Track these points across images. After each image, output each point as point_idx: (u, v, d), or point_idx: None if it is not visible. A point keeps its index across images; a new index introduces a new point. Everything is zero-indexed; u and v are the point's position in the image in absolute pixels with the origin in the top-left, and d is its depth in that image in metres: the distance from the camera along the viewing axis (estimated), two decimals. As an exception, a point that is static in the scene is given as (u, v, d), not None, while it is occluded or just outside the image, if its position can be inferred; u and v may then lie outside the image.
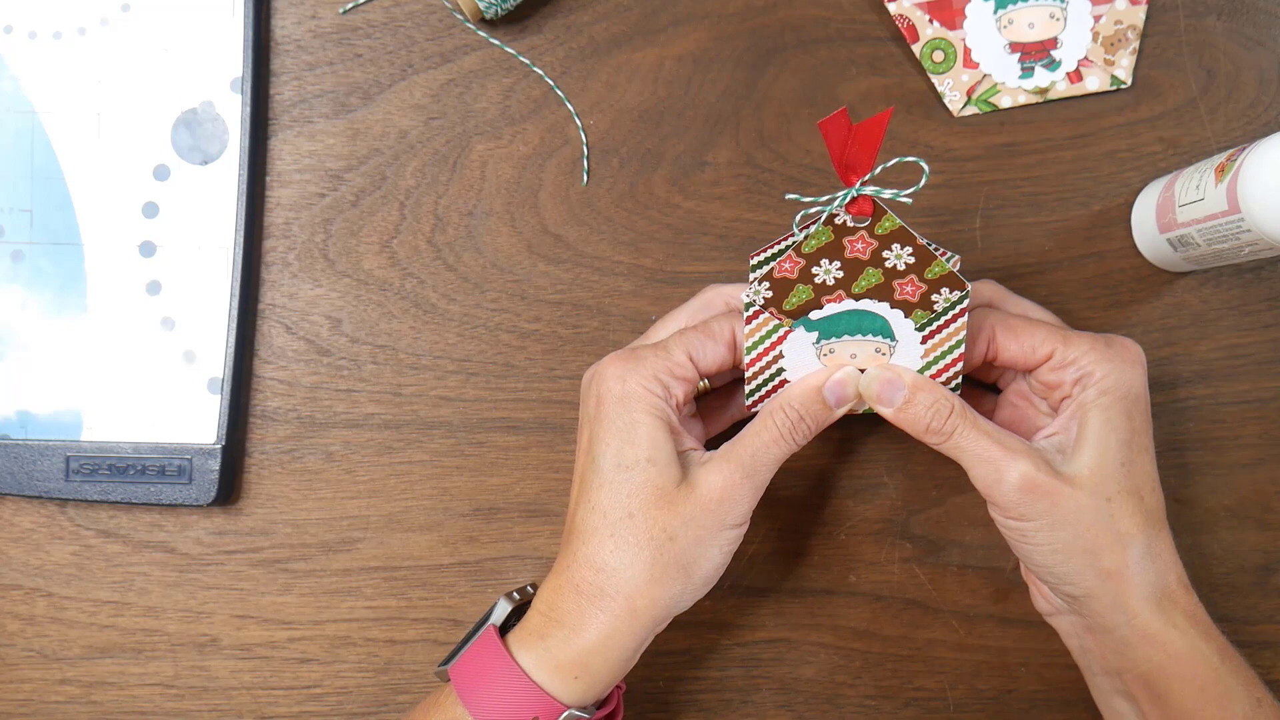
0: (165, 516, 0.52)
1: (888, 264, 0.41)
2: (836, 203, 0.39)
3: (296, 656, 0.52)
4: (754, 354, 0.43)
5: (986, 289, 0.46)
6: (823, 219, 0.40)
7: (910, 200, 0.39)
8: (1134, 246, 0.53)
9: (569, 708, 0.41)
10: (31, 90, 0.51)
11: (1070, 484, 0.41)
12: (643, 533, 0.41)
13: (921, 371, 0.43)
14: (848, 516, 0.53)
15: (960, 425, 0.42)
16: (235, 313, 0.51)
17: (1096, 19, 0.52)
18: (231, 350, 0.51)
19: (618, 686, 0.45)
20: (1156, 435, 0.44)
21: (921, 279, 0.41)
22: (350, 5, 0.53)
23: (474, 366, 0.52)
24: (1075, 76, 0.52)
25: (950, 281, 0.41)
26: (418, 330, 0.52)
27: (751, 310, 0.42)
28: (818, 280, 0.41)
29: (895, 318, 0.42)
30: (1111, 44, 0.52)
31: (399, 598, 0.52)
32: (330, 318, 0.52)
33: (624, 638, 0.41)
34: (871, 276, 0.41)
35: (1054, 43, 0.52)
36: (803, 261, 0.41)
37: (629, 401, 0.42)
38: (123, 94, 0.51)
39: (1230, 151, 0.45)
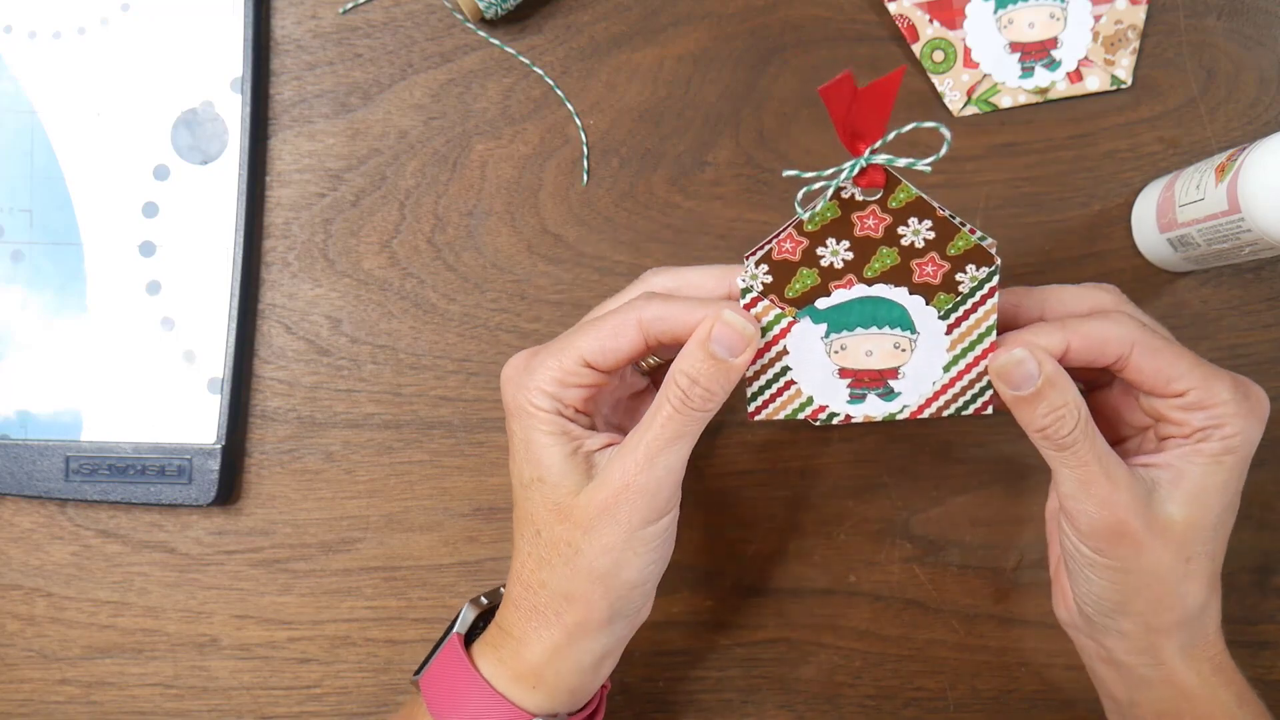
0: (165, 516, 0.52)
1: (904, 241, 0.36)
2: (844, 174, 0.34)
3: (296, 656, 0.52)
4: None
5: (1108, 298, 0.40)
6: (829, 194, 0.35)
7: (929, 169, 0.34)
8: (1134, 246, 0.52)
9: (535, 716, 0.40)
10: (31, 90, 0.51)
11: (1160, 535, 0.38)
12: (550, 549, 0.40)
13: (948, 369, 0.39)
14: (848, 516, 0.53)
15: (1079, 443, 0.38)
16: (235, 313, 0.51)
17: (1096, 19, 0.52)
18: (231, 350, 0.51)
19: (602, 685, 0.44)
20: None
21: (944, 256, 0.36)
22: (350, 5, 0.53)
23: (474, 366, 0.52)
24: (1075, 76, 0.52)
25: (976, 256, 0.36)
26: (418, 330, 0.52)
27: (749, 297, 0.38)
28: (824, 263, 0.37)
29: (915, 305, 0.37)
30: (1111, 44, 0.52)
31: (399, 598, 0.52)
32: (330, 318, 0.52)
33: (570, 650, 0.40)
34: (886, 257, 0.36)
35: (1054, 42, 0.52)
36: (805, 241, 0.36)
37: (520, 415, 0.40)
38: (123, 94, 0.51)
39: (1230, 151, 0.45)
